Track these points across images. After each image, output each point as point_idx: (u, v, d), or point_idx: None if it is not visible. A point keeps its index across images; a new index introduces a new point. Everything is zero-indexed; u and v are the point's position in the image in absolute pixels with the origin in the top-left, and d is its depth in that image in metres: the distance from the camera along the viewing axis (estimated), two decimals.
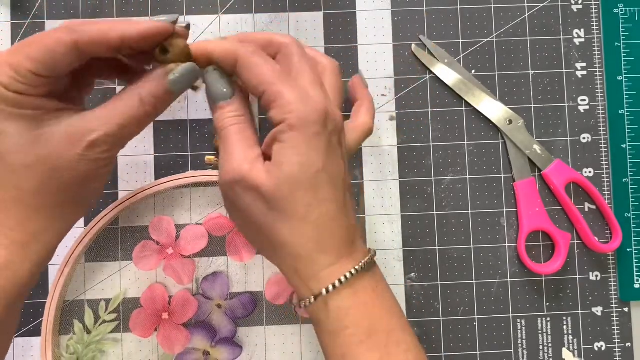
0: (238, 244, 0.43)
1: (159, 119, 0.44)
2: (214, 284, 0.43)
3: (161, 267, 0.43)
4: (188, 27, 0.32)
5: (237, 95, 0.32)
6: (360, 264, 0.30)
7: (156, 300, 0.42)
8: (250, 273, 0.44)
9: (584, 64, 0.46)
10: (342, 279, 0.30)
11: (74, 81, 0.32)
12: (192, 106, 0.44)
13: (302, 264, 0.30)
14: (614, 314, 0.44)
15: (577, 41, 0.46)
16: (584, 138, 0.45)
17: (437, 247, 0.44)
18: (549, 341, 0.44)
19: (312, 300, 0.30)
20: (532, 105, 0.45)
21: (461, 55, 0.45)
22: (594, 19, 0.46)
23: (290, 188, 0.29)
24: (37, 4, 0.44)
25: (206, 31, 0.44)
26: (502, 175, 0.45)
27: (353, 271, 0.30)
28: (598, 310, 0.44)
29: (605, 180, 0.45)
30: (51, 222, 0.30)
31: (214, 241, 0.44)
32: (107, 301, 0.43)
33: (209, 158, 0.42)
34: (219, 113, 0.31)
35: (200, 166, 0.44)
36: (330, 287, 0.29)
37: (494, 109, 0.45)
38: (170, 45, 0.30)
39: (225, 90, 0.31)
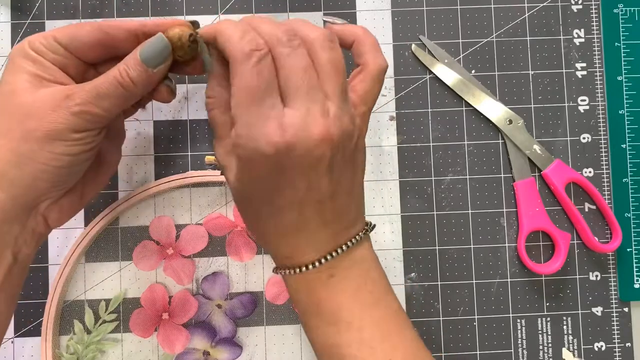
0: (238, 244, 0.43)
1: (159, 119, 0.44)
2: (214, 284, 0.43)
3: (161, 267, 0.43)
4: (194, 23, 0.33)
5: (214, 74, 0.32)
6: (312, 264, 0.32)
7: (156, 301, 0.42)
8: (250, 273, 0.44)
9: (584, 64, 0.46)
10: (294, 271, 0.32)
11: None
12: (192, 106, 0.44)
13: (263, 244, 0.34)
14: (614, 314, 0.44)
15: (577, 41, 0.46)
16: (584, 138, 0.45)
17: (437, 247, 0.44)
18: (549, 341, 0.44)
19: (277, 272, 0.34)
20: (532, 105, 0.45)
21: (461, 55, 0.45)
22: (594, 19, 0.46)
23: (245, 196, 0.32)
24: (37, 4, 0.44)
25: None
26: (502, 175, 0.45)
27: (304, 268, 0.32)
28: (598, 310, 0.44)
29: (605, 180, 0.45)
30: (4, 178, 0.31)
31: (214, 241, 0.44)
32: (107, 301, 0.43)
33: (209, 158, 0.42)
34: (207, 87, 0.32)
35: (201, 166, 0.44)
36: (286, 272, 0.33)
37: (494, 109, 0.45)
38: (167, 36, 0.32)
39: (207, 60, 0.32)
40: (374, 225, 0.35)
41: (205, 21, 0.45)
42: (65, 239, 0.43)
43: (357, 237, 0.33)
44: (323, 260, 0.32)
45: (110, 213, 0.42)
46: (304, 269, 0.32)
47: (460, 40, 0.46)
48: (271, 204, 0.31)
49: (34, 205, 0.32)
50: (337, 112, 0.29)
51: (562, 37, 0.46)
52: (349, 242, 0.33)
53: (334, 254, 0.32)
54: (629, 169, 0.45)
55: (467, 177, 0.45)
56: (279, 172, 0.29)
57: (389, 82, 0.45)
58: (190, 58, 0.33)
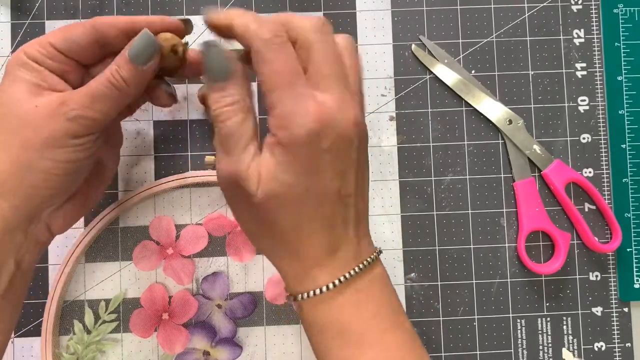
0: (238, 244, 0.43)
1: (159, 119, 0.44)
2: (214, 284, 0.43)
3: (161, 267, 0.43)
4: (186, 22, 0.34)
5: (237, 77, 0.30)
6: (340, 278, 0.30)
7: (156, 301, 0.42)
8: (250, 273, 0.44)
9: (584, 64, 0.46)
10: (318, 291, 0.30)
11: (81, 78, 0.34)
12: (192, 106, 0.44)
13: (280, 267, 0.32)
14: (614, 314, 0.44)
15: (577, 41, 0.46)
16: (583, 138, 0.45)
17: (437, 247, 0.44)
18: (549, 341, 0.44)
19: (292, 300, 0.32)
20: (532, 105, 0.45)
21: (461, 55, 0.45)
22: (594, 19, 0.46)
23: (275, 204, 0.29)
24: (37, 4, 0.44)
25: (206, 31, 0.44)
26: (502, 175, 0.45)
27: (330, 285, 0.30)
28: (598, 310, 0.44)
29: (605, 180, 0.45)
30: (7, 188, 0.30)
31: (214, 241, 0.44)
32: (107, 301, 0.43)
33: (209, 158, 0.42)
34: (216, 96, 0.30)
35: (200, 166, 0.44)
36: (306, 296, 0.31)
37: (494, 109, 0.45)
38: (160, 38, 0.32)
39: (226, 67, 0.30)
40: (381, 251, 0.34)
41: None
42: (65, 239, 0.43)
43: (376, 249, 0.32)
44: (352, 272, 0.30)
45: (110, 213, 0.42)
46: (330, 285, 0.30)
47: (460, 40, 0.46)
48: (306, 199, 0.29)
49: (37, 213, 0.32)
50: (361, 104, 0.31)
51: (562, 37, 0.46)
52: (372, 255, 0.32)
53: (361, 265, 0.31)
54: (628, 169, 0.45)
55: (467, 177, 0.45)
56: (317, 157, 0.29)
57: (389, 82, 0.45)
58: (181, 65, 0.33)
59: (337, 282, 0.30)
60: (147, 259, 0.43)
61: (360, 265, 0.31)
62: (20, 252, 0.32)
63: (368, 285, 0.31)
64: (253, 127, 0.30)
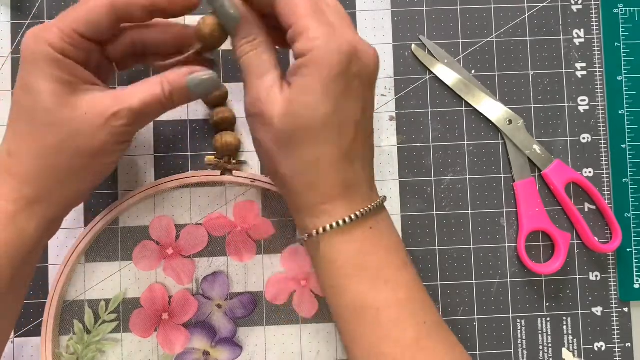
0: (238, 244, 0.43)
1: (159, 118, 0.44)
2: (214, 284, 0.43)
3: (161, 267, 0.43)
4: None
5: (245, 18, 0.31)
6: (357, 213, 0.31)
7: (156, 300, 0.42)
8: (250, 273, 0.44)
9: (584, 64, 0.46)
10: (334, 224, 0.31)
11: (99, 65, 0.34)
12: (192, 106, 0.44)
13: (297, 198, 0.32)
14: (614, 314, 0.44)
15: (577, 41, 0.46)
16: (583, 138, 0.45)
17: (437, 247, 0.44)
18: (549, 341, 0.44)
19: (306, 238, 0.32)
20: (532, 105, 0.45)
21: (461, 55, 0.45)
22: (594, 19, 0.46)
23: (297, 126, 0.30)
24: (37, 4, 0.44)
25: None
26: (502, 175, 0.45)
27: (347, 219, 0.31)
28: (598, 311, 0.44)
29: (605, 180, 0.45)
30: (60, 185, 0.32)
31: (214, 241, 0.44)
32: (107, 301, 0.43)
33: (209, 158, 0.42)
34: (235, 40, 0.32)
35: (201, 167, 0.44)
36: (321, 230, 0.31)
37: (494, 109, 0.45)
38: (202, 23, 0.32)
39: (233, 13, 0.31)
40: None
41: None
42: (65, 239, 0.43)
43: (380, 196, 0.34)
44: (369, 208, 0.31)
45: (110, 213, 0.42)
46: (347, 219, 0.31)
47: (460, 40, 0.46)
48: (330, 124, 0.30)
49: (74, 207, 0.35)
50: None
51: (562, 37, 0.46)
52: (381, 197, 0.33)
53: (375, 203, 0.32)
54: (628, 169, 0.45)
55: (467, 177, 0.45)
56: (347, 81, 0.30)
57: (389, 82, 0.45)
58: (220, 44, 0.34)
59: (354, 216, 0.31)
60: (147, 259, 0.43)
61: (375, 203, 0.32)
62: (44, 239, 0.34)
63: (380, 224, 0.32)
64: (272, 58, 0.32)
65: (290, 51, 0.31)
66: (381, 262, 0.31)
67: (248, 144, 0.44)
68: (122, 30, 0.35)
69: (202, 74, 0.32)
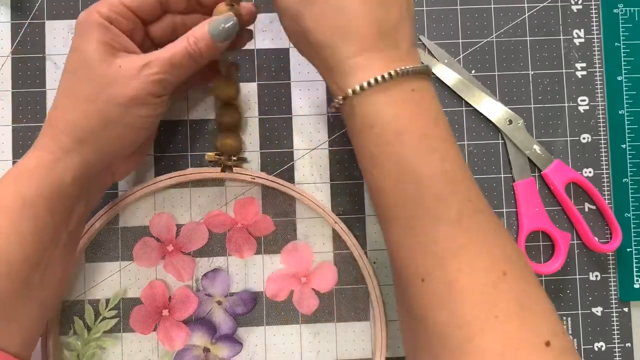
0: (238, 241, 0.43)
1: None
2: (214, 281, 0.43)
3: (161, 264, 0.43)
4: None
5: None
6: (397, 70, 0.28)
7: (156, 297, 0.43)
8: (250, 271, 0.44)
9: (584, 64, 0.46)
10: (372, 81, 0.28)
11: (142, 43, 0.37)
12: (192, 106, 0.44)
13: (329, 54, 0.30)
14: (614, 314, 0.44)
15: (577, 41, 0.46)
16: (583, 138, 0.45)
17: None
18: None
19: (341, 101, 0.30)
20: (532, 105, 0.45)
21: (461, 55, 0.45)
22: (594, 19, 0.46)
23: None
24: (37, 4, 0.44)
25: None
26: (502, 175, 0.45)
27: (386, 75, 0.28)
28: (598, 310, 0.44)
29: (605, 180, 0.45)
30: (95, 135, 0.33)
31: (214, 238, 0.44)
32: (107, 300, 0.43)
33: (210, 155, 0.42)
34: None
35: (200, 166, 0.44)
36: (358, 89, 0.29)
37: (494, 109, 0.45)
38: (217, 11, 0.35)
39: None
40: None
41: None
42: None
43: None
44: (410, 67, 0.29)
45: (109, 211, 0.42)
46: (386, 75, 0.28)
47: (460, 40, 0.46)
48: None
49: (111, 161, 0.36)
50: None
51: (562, 37, 0.46)
52: (425, 64, 0.31)
53: (419, 65, 0.30)
54: (628, 169, 0.45)
55: None
56: None
57: None
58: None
59: (393, 72, 0.28)
60: (148, 255, 0.43)
61: (418, 67, 0.30)
62: (89, 195, 0.36)
63: (425, 89, 0.30)
64: None
65: None
66: (426, 130, 0.29)
67: (248, 144, 0.44)
68: (165, 12, 0.37)
69: (220, 17, 0.34)
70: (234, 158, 0.42)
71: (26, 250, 0.31)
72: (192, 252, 0.43)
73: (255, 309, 0.43)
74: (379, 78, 0.28)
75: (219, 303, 0.43)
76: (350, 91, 0.29)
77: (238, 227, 0.43)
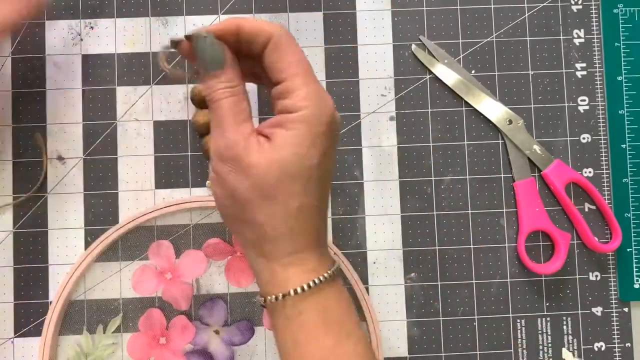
0: (237, 269, 0.43)
1: (159, 119, 0.44)
2: (212, 310, 0.43)
3: (160, 291, 0.43)
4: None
5: (230, 64, 0.31)
6: (332, 271, 0.31)
7: (154, 326, 0.42)
8: (248, 299, 0.43)
9: (584, 64, 0.46)
10: (305, 286, 0.30)
11: None
12: (192, 106, 0.44)
13: (271, 246, 0.31)
14: (614, 314, 0.44)
15: (577, 41, 0.46)
16: (583, 138, 0.45)
17: (437, 247, 0.44)
18: (549, 341, 0.44)
19: (273, 300, 0.31)
20: (532, 106, 0.45)
21: (461, 56, 0.45)
22: (594, 19, 0.46)
23: (280, 173, 0.30)
24: None
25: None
26: (502, 175, 0.45)
27: (321, 278, 0.31)
28: (598, 311, 0.44)
29: (605, 180, 0.45)
30: None
31: (213, 266, 0.43)
32: (105, 324, 0.43)
33: (210, 183, 0.42)
34: (212, 82, 0.31)
35: (200, 166, 0.44)
36: (292, 292, 0.30)
37: (494, 109, 0.45)
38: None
39: (219, 56, 0.31)
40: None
41: (205, 21, 0.45)
42: (66, 239, 0.43)
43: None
44: (335, 268, 0.32)
45: (108, 237, 0.42)
46: (322, 277, 0.31)
47: (460, 40, 0.46)
48: (313, 174, 0.30)
49: None
50: None
51: (562, 37, 0.46)
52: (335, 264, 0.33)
53: (335, 265, 0.32)
54: (628, 169, 0.45)
55: (467, 177, 0.45)
56: (332, 138, 0.31)
57: (389, 82, 0.45)
58: None
59: (327, 275, 0.31)
60: (146, 283, 0.43)
61: (337, 264, 0.33)
62: None
63: (338, 283, 0.33)
64: (248, 109, 0.31)
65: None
66: (344, 317, 0.32)
67: None
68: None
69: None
70: None
71: None
72: (191, 280, 0.43)
73: (252, 338, 0.43)
74: (317, 280, 0.31)
75: (217, 332, 0.43)
76: (292, 291, 0.31)
77: (237, 256, 0.43)
